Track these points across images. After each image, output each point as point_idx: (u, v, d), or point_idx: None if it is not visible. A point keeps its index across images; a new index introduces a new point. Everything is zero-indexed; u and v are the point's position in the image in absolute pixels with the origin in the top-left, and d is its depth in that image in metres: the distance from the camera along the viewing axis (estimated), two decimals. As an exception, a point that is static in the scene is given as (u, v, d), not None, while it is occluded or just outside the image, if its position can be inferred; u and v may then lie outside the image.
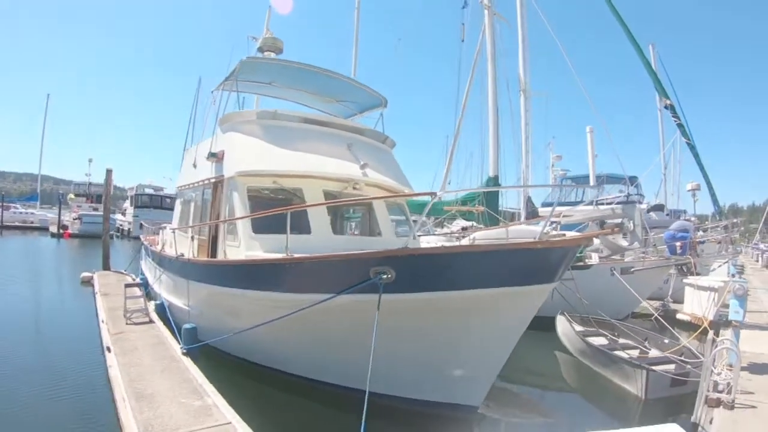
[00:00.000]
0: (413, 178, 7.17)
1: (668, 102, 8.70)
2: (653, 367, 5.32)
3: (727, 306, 6.79)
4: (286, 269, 4.26)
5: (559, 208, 9.31)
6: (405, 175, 7.08)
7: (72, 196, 36.24)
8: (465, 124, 16.88)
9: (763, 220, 17.75)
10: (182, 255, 6.50)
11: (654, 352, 6.34)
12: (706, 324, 7.04)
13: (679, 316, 9.20)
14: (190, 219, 7.77)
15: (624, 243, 9.62)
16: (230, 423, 3.66)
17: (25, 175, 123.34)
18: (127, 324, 6.90)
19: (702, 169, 8.96)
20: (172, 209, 33.91)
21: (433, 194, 4.40)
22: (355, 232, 7.90)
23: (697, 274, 9.15)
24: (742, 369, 4.53)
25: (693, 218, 16.54)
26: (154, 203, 34.46)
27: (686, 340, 6.30)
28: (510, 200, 16.81)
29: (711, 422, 3.48)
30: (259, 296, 4.49)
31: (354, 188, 6.05)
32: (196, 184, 7.52)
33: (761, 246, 26.17)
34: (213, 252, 6.27)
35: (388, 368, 3.67)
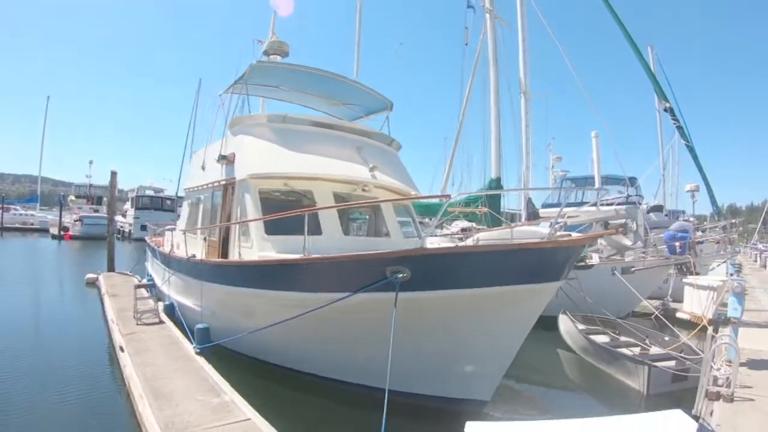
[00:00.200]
0: (413, 178, 7.32)
1: (667, 105, 8.87)
2: (655, 364, 5.48)
3: (725, 305, 6.96)
4: (304, 269, 4.39)
5: (565, 209, 9.52)
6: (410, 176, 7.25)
7: (73, 197, 36.29)
8: (465, 125, 17.09)
9: (761, 220, 17.97)
10: (194, 256, 6.63)
11: (655, 349, 6.50)
12: (705, 322, 7.19)
13: (678, 314, 9.35)
14: (199, 220, 7.89)
15: (627, 243, 9.80)
16: (250, 419, 3.76)
17: (24, 177, 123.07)
18: (137, 324, 7.00)
19: (701, 170, 9.14)
20: (172, 211, 33.78)
21: (446, 197, 4.54)
22: (359, 233, 8.05)
23: (697, 274, 9.32)
24: (741, 365, 4.67)
25: (692, 219, 16.75)
26: (155, 205, 34.56)
27: (686, 338, 6.45)
28: (511, 201, 16.99)
29: (711, 414, 3.63)
30: (277, 296, 4.62)
31: (363, 190, 6.20)
32: (205, 186, 7.65)
33: (759, 246, 26.40)
34: (224, 253, 6.40)
35: (402, 365, 3.80)
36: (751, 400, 3.93)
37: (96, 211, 34.66)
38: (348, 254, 4.15)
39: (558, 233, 4.00)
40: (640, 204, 14.89)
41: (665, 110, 9.01)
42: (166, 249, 9.01)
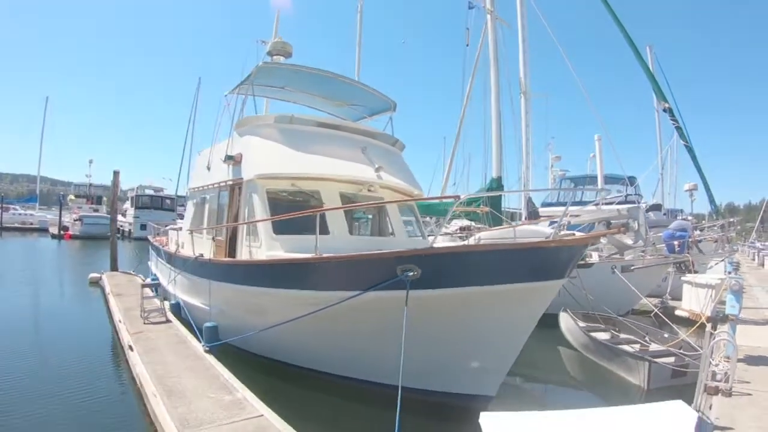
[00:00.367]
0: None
1: (666, 105, 8.99)
2: (655, 360, 5.60)
3: (723, 303, 7.08)
4: (317, 268, 4.49)
5: (571, 208, 9.69)
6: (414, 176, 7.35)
7: (72, 197, 36.29)
8: (465, 125, 17.19)
9: (759, 219, 18.13)
10: (201, 255, 6.71)
11: (654, 346, 6.62)
12: (703, 319, 7.31)
13: (677, 312, 9.47)
14: (205, 220, 7.97)
15: (629, 242, 9.95)
16: (263, 415, 3.84)
17: (22, 176, 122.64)
18: (144, 324, 7.07)
19: (699, 170, 9.27)
20: (172, 210, 33.93)
21: (456, 197, 4.65)
22: (361, 233, 8.15)
23: (695, 272, 9.45)
24: (739, 361, 4.78)
25: (690, 217, 16.92)
26: (155, 204, 34.58)
27: (685, 335, 6.57)
28: (511, 200, 17.13)
29: (710, 408, 3.73)
30: (289, 294, 4.70)
31: (369, 190, 6.30)
32: (211, 186, 7.73)
33: (757, 245, 26.62)
34: (231, 252, 6.49)
35: (409, 361, 3.90)
36: (749, 394, 4.05)
37: (96, 210, 34.69)
38: (360, 253, 4.25)
39: (562, 232, 4.11)
40: (638, 203, 15.04)
41: (664, 111, 9.13)
42: (172, 248, 9.08)
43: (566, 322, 7.82)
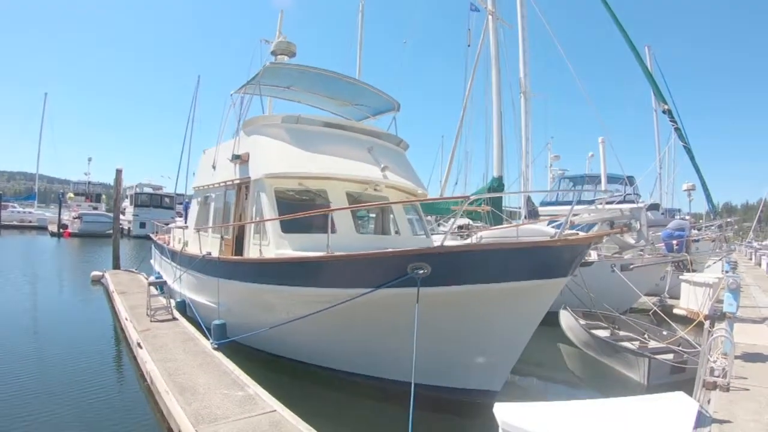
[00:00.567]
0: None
1: (666, 107, 9.10)
2: (654, 356, 5.73)
3: (721, 301, 7.22)
4: (330, 266, 4.58)
5: (577, 208, 9.82)
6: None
7: (71, 195, 36.17)
8: (465, 124, 17.32)
9: (756, 219, 18.33)
10: (209, 254, 6.79)
11: (654, 343, 6.76)
12: (701, 318, 7.46)
13: (675, 310, 9.62)
14: (210, 219, 8.05)
15: (631, 241, 10.09)
16: (275, 410, 3.92)
17: (19, 174, 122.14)
18: (151, 321, 7.13)
19: (698, 171, 9.39)
20: (171, 208, 33.88)
21: (466, 198, 4.75)
22: (363, 231, 8.25)
23: (693, 271, 9.59)
24: (736, 358, 4.90)
25: (688, 217, 17.12)
26: (154, 202, 34.56)
27: (683, 332, 6.71)
28: (511, 199, 17.27)
29: (709, 402, 3.86)
30: (300, 291, 4.80)
31: (375, 190, 6.40)
32: (217, 185, 7.80)
33: (754, 244, 26.84)
34: (238, 251, 6.57)
35: (418, 358, 4.01)
36: (747, 390, 4.17)
37: (95, 208, 34.62)
38: (373, 251, 4.36)
39: (566, 232, 4.22)
40: (637, 203, 15.21)
41: (664, 112, 9.24)
42: (177, 247, 9.14)
43: (567, 319, 7.95)
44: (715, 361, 4.47)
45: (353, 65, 19.31)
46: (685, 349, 5.99)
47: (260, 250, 5.83)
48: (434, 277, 3.89)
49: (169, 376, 4.78)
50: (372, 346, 4.78)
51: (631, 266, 9.38)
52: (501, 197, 12.73)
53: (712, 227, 11.78)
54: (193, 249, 8.00)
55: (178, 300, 8.18)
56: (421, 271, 3.84)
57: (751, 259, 24.55)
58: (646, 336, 7.10)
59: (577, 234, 5.60)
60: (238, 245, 6.63)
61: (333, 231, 5.72)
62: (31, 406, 4.57)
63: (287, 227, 5.66)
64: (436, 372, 4.46)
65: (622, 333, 7.48)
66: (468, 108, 16.89)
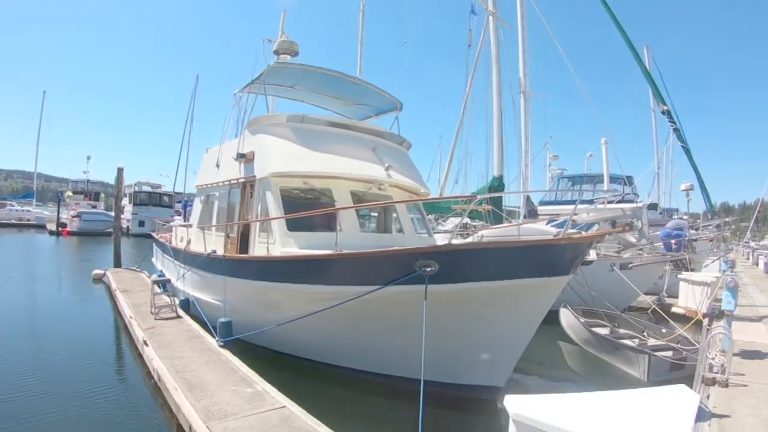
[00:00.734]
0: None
1: (665, 108, 9.20)
2: (654, 353, 5.83)
3: (719, 300, 7.33)
4: (338, 263, 4.65)
5: (579, 207, 9.93)
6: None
7: (70, 193, 36.10)
8: (464, 123, 17.42)
9: (753, 219, 18.49)
10: (215, 252, 6.84)
11: (653, 341, 6.86)
12: (699, 316, 7.57)
13: (674, 309, 9.73)
14: (214, 217, 8.09)
15: (633, 240, 10.21)
16: (285, 406, 3.97)
17: (16, 172, 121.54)
18: (156, 319, 7.15)
19: (696, 171, 9.50)
20: (170, 207, 33.84)
21: (473, 197, 4.83)
22: (365, 229, 8.31)
23: (692, 270, 9.71)
24: (734, 355, 4.99)
25: (686, 217, 17.27)
26: (153, 201, 34.54)
27: (681, 330, 6.82)
28: (510, 199, 17.40)
29: (708, 398, 3.95)
30: (308, 289, 4.86)
31: (379, 189, 6.47)
32: (220, 184, 7.85)
33: (752, 244, 27.01)
34: (243, 249, 6.63)
35: (426, 355, 4.08)
36: (745, 386, 4.26)
37: (94, 207, 34.58)
38: (381, 249, 4.44)
39: (569, 231, 4.31)
40: (635, 202, 15.34)
41: (663, 113, 9.35)
42: (180, 245, 9.18)
43: (567, 317, 8.05)
44: (713, 358, 4.57)
45: (354, 65, 19.36)
46: (684, 347, 6.09)
47: (267, 248, 5.88)
48: (441, 275, 3.96)
49: (177, 373, 4.82)
50: (378, 343, 4.85)
51: (630, 265, 9.48)
52: (501, 197, 12.83)
53: (710, 227, 11.91)
54: (196, 247, 8.04)
55: (182, 298, 8.23)
56: (429, 269, 3.91)
57: (748, 258, 24.73)
58: (645, 334, 7.20)
59: (580, 233, 5.68)
60: (243, 243, 6.68)
61: (339, 229, 5.80)
62: (37, 406, 4.54)
63: (293, 225, 5.73)
64: (442, 368, 4.53)
65: (621, 331, 7.59)
66: (468, 107, 17.00)
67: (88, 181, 39.08)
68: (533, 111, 14.98)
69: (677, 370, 5.68)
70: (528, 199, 13.90)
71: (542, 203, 18.27)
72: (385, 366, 4.92)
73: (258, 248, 6.20)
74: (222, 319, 6.04)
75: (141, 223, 31.38)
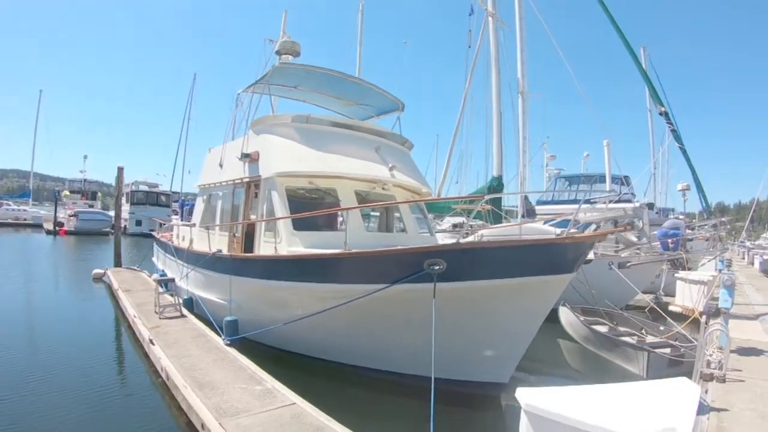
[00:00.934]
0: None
1: (662, 109, 9.34)
2: (653, 350, 5.96)
3: (715, 298, 7.48)
4: (347, 262, 4.72)
5: (573, 207, 10.02)
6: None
7: (67, 192, 35.91)
8: (462, 124, 17.54)
9: (748, 218, 18.73)
10: (219, 251, 6.89)
11: (651, 338, 6.99)
12: (696, 314, 7.70)
13: (671, 307, 9.87)
14: (218, 216, 8.14)
15: (634, 239, 10.35)
16: (295, 404, 4.02)
17: (12, 171, 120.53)
18: (160, 319, 7.18)
19: (693, 171, 9.66)
20: (167, 206, 33.77)
21: (480, 197, 4.92)
22: (368, 228, 8.38)
23: (689, 269, 9.86)
24: (731, 352, 5.12)
25: (682, 216, 17.48)
26: (150, 200, 34.44)
27: (679, 327, 6.96)
28: (508, 198, 17.54)
29: (706, 392, 4.07)
30: (316, 288, 4.93)
31: (382, 189, 6.55)
32: (224, 183, 7.89)
33: (747, 244, 27.30)
34: (248, 248, 6.69)
35: (431, 352, 4.17)
36: (742, 381, 4.39)
37: (91, 206, 34.45)
38: (390, 248, 4.52)
39: (571, 230, 4.41)
40: (632, 202, 15.52)
41: (660, 114, 9.49)
42: (183, 244, 9.21)
43: (566, 315, 8.17)
44: (711, 354, 4.68)
45: (353, 65, 19.43)
46: (682, 344, 6.22)
47: (275, 247, 5.94)
48: (449, 273, 4.05)
49: (185, 372, 4.84)
50: (385, 341, 4.93)
51: (628, 264, 9.62)
52: (501, 197, 12.95)
53: (706, 227, 12.07)
54: (199, 246, 8.08)
55: (185, 297, 8.26)
56: (437, 267, 4.00)
57: (744, 258, 24.99)
58: (643, 331, 7.33)
59: (581, 232, 5.80)
60: (248, 242, 6.74)
61: (344, 228, 5.88)
62: (44, 406, 4.54)
63: (298, 225, 5.79)
64: (448, 365, 4.62)
65: (620, 328, 7.72)
66: (466, 107, 17.13)
67: (84, 180, 38.91)
68: (531, 111, 15.16)
69: (675, 367, 5.80)
70: (526, 198, 14.04)
71: (539, 203, 18.43)
72: (393, 364, 5.01)
73: (264, 247, 6.26)
74: (228, 318, 6.09)
75: (138, 223, 31.30)
